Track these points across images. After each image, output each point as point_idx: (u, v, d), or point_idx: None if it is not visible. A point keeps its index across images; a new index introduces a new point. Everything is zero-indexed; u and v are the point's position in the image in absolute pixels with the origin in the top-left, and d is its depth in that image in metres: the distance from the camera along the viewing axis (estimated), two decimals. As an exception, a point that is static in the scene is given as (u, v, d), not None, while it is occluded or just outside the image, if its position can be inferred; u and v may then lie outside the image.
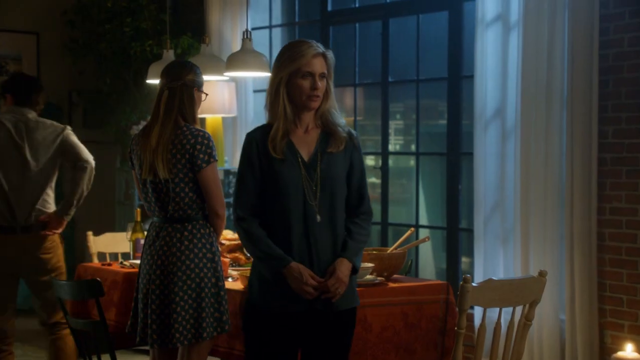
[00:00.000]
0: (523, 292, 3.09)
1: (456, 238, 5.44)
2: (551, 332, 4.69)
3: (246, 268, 3.93)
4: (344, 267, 2.94)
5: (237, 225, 2.97)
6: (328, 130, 3.00)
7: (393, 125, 6.25)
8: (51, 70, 7.53)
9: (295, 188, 2.92)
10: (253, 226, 2.93)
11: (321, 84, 2.94)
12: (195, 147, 3.42)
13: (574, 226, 4.55)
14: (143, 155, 3.45)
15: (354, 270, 2.98)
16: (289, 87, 2.93)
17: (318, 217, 2.93)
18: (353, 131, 3.07)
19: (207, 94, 3.62)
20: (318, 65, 2.94)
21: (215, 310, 3.41)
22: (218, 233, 3.52)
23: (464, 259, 5.53)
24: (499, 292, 3.04)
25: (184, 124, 3.48)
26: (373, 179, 6.18)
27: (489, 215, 4.94)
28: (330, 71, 2.98)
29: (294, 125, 2.97)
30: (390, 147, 6.04)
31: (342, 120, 3.04)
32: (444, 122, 5.56)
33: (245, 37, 4.48)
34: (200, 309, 3.37)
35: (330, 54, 2.99)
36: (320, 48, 2.96)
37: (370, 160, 6.44)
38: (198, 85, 3.55)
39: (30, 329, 6.47)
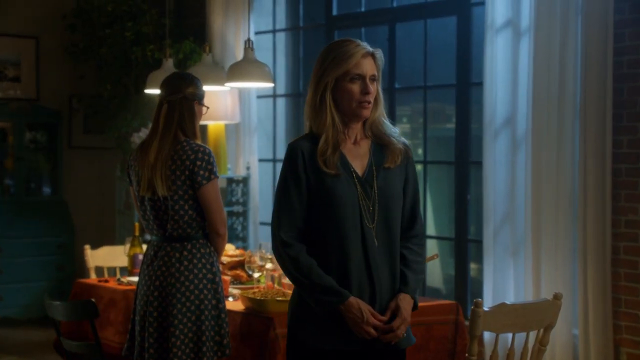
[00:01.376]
0: (537, 317, 2.95)
1: (465, 249, 5.30)
2: (564, 348, 4.56)
3: (247, 286, 3.79)
4: (407, 305, 2.58)
5: (282, 251, 2.55)
6: (380, 142, 2.65)
7: (399, 128, 6.12)
8: (51, 75, 7.41)
9: (352, 208, 2.55)
10: (302, 253, 2.53)
11: (373, 88, 2.59)
12: (195, 163, 3.30)
13: (588, 239, 4.44)
14: (141, 171, 3.33)
15: (414, 307, 2.64)
16: (335, 93, 2.59)
17: (376, 242, 2.56)
18: (407, 141, 2.72)
19: (207, 107, 3.49)
20: (368, 67, 2.58)
21: (215, 334, 3.27)
22: (219, 253, 3.38)
23: (473, 265, 5.39)
24: (512, 317, 2.90)
25: (184, 139, 3.36)
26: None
27: (498, 227, 4.81)
28: (379, 74, 2.63)
29: (343, 136, 2.61)
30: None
31: (396, 129, 2.70)
32: (452, 125, 5.43)
33: (247, 46, 4.34)
34: (200, 333, 3.23)
35: (379, 54, 2.64)
36: (369, 47, 2.62)
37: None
38: (199, 99, 3.42)
39: (29, 341, 6.34)
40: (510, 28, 4.75)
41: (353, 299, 2.50)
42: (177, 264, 3.27)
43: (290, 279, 2.58)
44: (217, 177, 3.34)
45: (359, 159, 2.62)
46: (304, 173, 2.55)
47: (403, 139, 2.68)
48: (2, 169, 7.23)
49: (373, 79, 2.59)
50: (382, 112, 2.65)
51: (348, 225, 2.53)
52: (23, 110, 7.21)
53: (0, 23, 7.22)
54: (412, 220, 2.69)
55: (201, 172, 3.30)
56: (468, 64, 5.24)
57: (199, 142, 3.38)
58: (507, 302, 2.93)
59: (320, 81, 2.60)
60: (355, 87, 2.57)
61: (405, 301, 2.57)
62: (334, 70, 2.58)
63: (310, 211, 2.55)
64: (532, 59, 4.60)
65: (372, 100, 2.59)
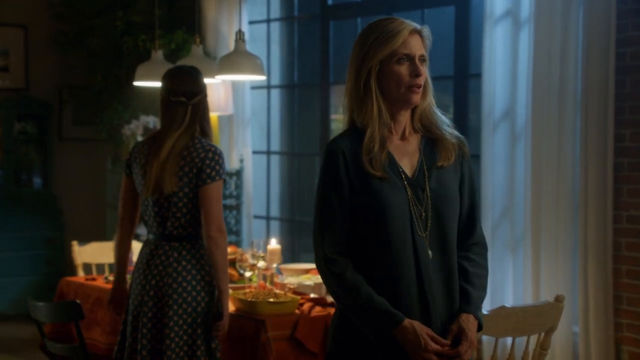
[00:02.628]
0: (538, 320, 2.84)
1: (462, 244, 5.20)
2: (564, 346, 4.48)
3: (239, 285, 3.68)
4: (472, 327, 2.24)
5: (326, 269, 2.22)
6: (431, 136, 2.33)
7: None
8: (40, 65, 7.27)
9: (402, 215, 2.22)
10: (348, 271, 2.21)
11: (423, 70, 2.26)
12: (204, 161, 3.22)
13: (588, 235, 4.36)
14: (149, 168, 3.20)
15: (479, 328, 2.30)
16: (380, 78, 2.26)
17: (430, 253, 2.25)
18: (460, 135, 2.40)
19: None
20: (417, 45, 2.25)
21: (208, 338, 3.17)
22: (212, 258, 3.18)
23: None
24: (513, 321, 2.79)
25: (197, 137, 3.26)
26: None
27: (497, 222, 4.72)
28: (427, 54, 2.30)
29: (388, 130, 2.29)
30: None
31: (448, 120, 2.38)
32: (449, 116, 5.31)
33: (238, 37, 4.21)
34: (195, 336, 3.13)
35: (427, 32, 2.31)
36: (415, 24, 2.29)
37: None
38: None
39: (18, 337, 6.23)
40: (510, 18, 4.66)
41: (408, 322, 2.17)
42: (175, 263, 3.16)
43: (335, 299, 2.26)
44: (224, 180, 3.23)
45: (407, 157, 2.28)
46: (346, 177, 2.22)
47: (456, 132, 2.37)
48: (-9, 160, 7.12)
49: (422, 59, 2.27)
50: (431, 100, 2.34)
51: (397, 234, 2.21)
52: (12, 101, 7.10)
53: (-12, 12, 7.09)
54: (471, 226, 2.35)
55: (208, 171, 3.21)
56: (466, 54, 5.14)
57: (210, 141, 3.31)
58: (507, 305, 2.83)
59: (362, 66, 2.26)
60: (404, 69, 2.24)
61: (469, 322, 2.23)
62: (379, 52, 2.24)
63: (354, 220, 2.23)
64: (532, 50, 4.51)
65: (422, 83, 2.27)
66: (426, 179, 2.27)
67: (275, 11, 6.44)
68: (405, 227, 2.21)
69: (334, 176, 2.22)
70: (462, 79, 5.16)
